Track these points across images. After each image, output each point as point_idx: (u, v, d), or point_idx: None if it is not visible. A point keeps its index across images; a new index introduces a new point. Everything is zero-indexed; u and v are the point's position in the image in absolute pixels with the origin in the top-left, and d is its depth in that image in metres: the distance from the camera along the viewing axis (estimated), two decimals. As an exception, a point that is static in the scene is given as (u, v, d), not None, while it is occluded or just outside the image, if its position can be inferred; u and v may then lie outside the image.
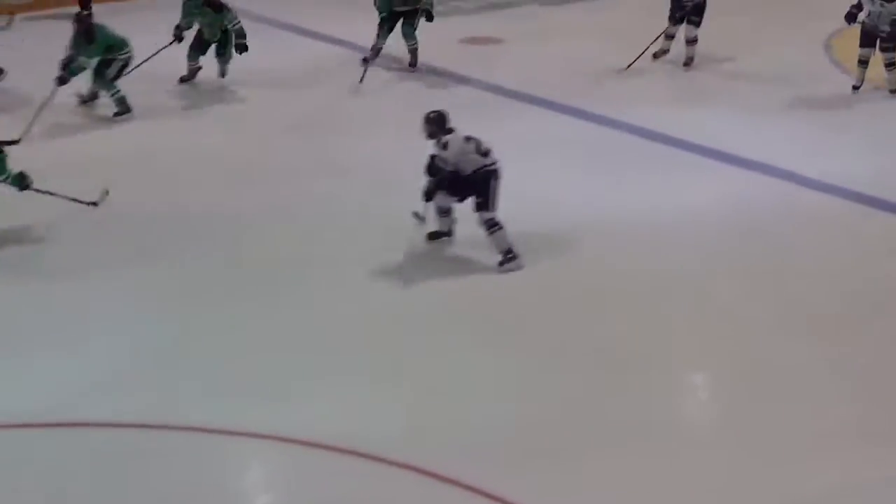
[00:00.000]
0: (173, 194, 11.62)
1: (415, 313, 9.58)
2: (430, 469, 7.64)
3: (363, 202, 11.46)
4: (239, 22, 14.45)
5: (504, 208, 10.92)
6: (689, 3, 15.24)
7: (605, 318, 9.55)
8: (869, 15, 13.89)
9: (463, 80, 14.70)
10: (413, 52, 15.33)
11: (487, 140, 10.30)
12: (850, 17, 14.12)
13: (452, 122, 10.25)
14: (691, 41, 15.40)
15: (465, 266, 10.30)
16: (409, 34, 15.24)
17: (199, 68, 14.65)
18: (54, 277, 10.11)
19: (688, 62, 15.42)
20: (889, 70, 14.02)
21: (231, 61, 14.52)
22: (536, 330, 9.37)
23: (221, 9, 14.39)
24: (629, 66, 14.97)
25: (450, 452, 7.83)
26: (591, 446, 7.98)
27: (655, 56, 15.37)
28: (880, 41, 13.92)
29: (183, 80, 14.65)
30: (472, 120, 13.27)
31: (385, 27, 15.09)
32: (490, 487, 7.46)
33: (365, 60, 14.87)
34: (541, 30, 16.37)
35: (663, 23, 15.13)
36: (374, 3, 15.15)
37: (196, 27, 14.50)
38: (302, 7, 17.71)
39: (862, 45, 14.00)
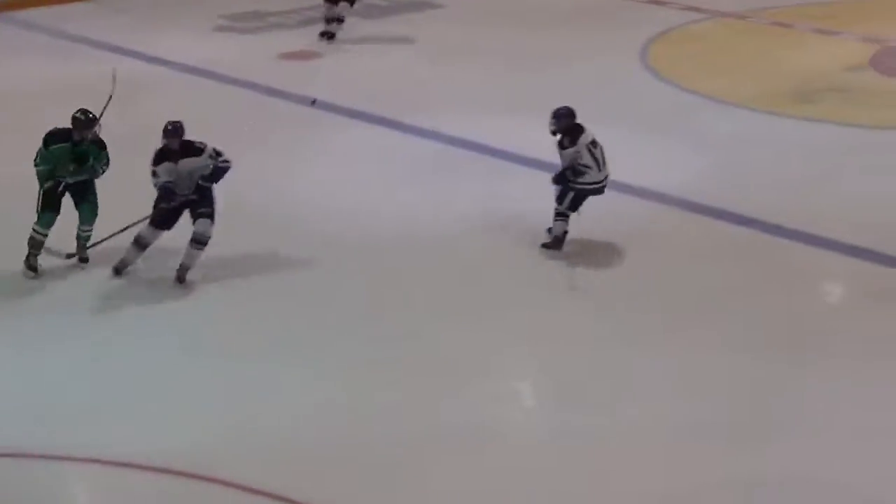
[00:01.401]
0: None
1: (212, 325, 9.59)
2: (250, 485, 7.59)
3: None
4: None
5: (328, 221, 10.89)
6: (187, 196, 9.99)
7: (424, 327, 9.57)
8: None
9: (281, 94, 14.57)
10: (83, 244, 10.41)
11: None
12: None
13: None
14: (198, 241, 10.04)
15: (258, 275, 10.28)
16: (85, 216, 10.43)
17: None
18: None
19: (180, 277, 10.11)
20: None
21: None
22: (365, 338, 9.36)
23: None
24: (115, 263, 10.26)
25: (266, 465, 7.82)
26: (416, 454, 7.99)
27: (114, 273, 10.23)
28: None
29: None
30: (290, 134, 13.31)
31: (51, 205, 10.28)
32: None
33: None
34: (360, 43, 16.34)
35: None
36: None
37: None
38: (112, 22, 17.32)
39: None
